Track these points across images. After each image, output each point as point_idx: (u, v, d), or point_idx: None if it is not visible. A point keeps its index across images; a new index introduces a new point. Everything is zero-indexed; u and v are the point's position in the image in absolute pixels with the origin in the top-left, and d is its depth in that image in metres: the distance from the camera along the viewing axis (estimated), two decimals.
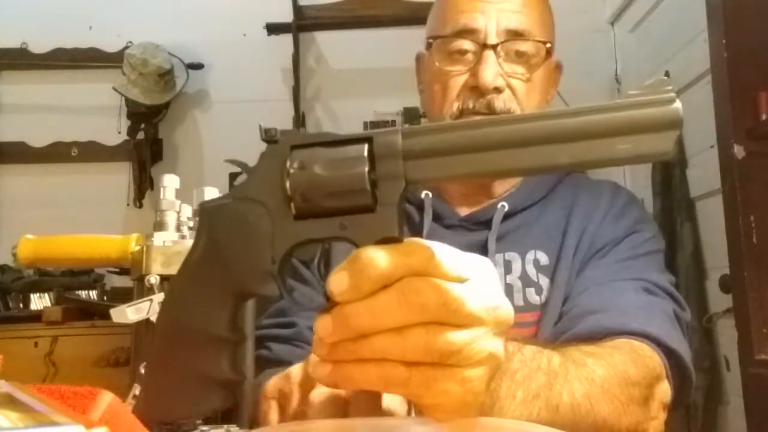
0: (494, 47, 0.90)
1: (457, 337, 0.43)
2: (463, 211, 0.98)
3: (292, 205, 0.46)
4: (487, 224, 0.94)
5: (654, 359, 0.76)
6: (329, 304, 0.44)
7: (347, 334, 0.43)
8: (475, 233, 0.94)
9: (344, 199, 0.45)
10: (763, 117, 1.60)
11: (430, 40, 0.96)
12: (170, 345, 0.49)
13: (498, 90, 0.90)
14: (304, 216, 0.46)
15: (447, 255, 0.44)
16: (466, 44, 0.92)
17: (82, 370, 2.31)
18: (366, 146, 0.45)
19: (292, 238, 0.46)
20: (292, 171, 0.46)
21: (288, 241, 0.46)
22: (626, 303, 0.82)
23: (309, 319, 0.93)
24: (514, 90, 0.91)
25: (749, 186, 1.60)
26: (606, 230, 0.92)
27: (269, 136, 0.48)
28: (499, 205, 0.94)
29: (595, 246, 0.91)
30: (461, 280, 0.44)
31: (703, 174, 2.09)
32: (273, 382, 0.60)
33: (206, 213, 0.49)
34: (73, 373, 2.32)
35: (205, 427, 0.68)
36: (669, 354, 0.78)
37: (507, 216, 0.94)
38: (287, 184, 0.46)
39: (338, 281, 0.43)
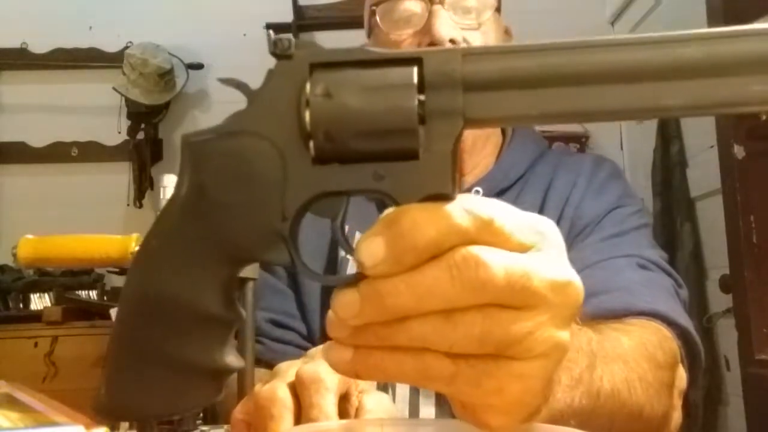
0: (442, 2, 0.87)
1: (519, 323, 0.33)
2: None
3: (312, 144, 0.35)
4: None
5: (672, 341, 0.71)
6: (355, 276, 0.34)
7: (379, 316, 0.33)
8: None
9: (382, 141, 0.34)
10: (763, 117, 1.59)
11: (374, 7, 0.92)
12: (143, 323, 0.37)
13: (454, 42, 0.87)
14: (327, 160, 0.35)
15: (508, 216, 0.35)
16: (412, 5, 0.89)
17: (82, 370, 2.31)
18: (415, 70, 0.34)
19: (309, 189, 0.35)
20: (313, 99, 0.34)
21: (304, 191, 0.35)
22: (626, 281, 0.76)
23: (259, 299, 0.86)
24: (470, 44, 0.88)
25: (749, 186, 1.60)
26: (586, 209, 0.87)
27: (281, 49, 0.35)
28: (473, 190, 0.89)
29: (576, 228, 0.86)
30: (525, 249, 0.34)
31: (703, 174, 2.08)
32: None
33: (191, 148, 0.37)
34: (73, 373, 2.32)
35: (205, 428, 0.68)
36: (680, 333, 0.73)
37: None
38: (306, 117, 0.34)
39: (372, 250, 0.33)
